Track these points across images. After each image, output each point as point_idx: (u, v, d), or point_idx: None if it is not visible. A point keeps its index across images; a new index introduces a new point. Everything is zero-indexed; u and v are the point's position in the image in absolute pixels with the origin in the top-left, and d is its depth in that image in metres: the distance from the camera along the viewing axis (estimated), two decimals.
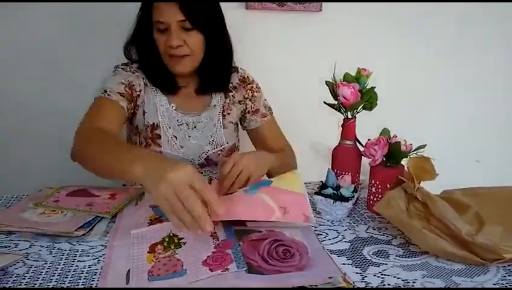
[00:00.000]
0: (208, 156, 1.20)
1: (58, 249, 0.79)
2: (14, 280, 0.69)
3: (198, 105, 1.21)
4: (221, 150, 1.21)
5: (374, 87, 1.00)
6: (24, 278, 0.69)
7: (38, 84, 1.50)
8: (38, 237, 0.82)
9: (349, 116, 1.01)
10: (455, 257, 0.75)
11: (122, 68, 1.15)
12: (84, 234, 0.83)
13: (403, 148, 0.93)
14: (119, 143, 0.93)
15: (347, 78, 1.00)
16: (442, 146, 1.61)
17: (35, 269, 0.72)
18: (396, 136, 0.96)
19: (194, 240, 0.78)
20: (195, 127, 1.19)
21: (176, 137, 1.17)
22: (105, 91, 1.07)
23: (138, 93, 1.14)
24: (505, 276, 0.72)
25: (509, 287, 0.69)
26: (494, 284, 0.69)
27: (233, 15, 1.51)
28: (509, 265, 0.75)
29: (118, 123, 1.05)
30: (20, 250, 0.78)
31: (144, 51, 1.14)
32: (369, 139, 0.97)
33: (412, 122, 1.67)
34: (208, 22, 1.09)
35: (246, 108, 1.25)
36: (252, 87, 1.26)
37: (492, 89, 1.87)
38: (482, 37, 1.79)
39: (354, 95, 0.97)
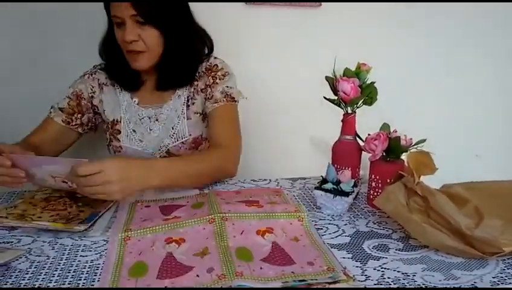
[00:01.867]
0: (168, 149, 1.19)
1: (60, 244, 0.79)
2: (17, 275, 0.69)
3: (161, 97, 1.20)
4: (183, 143, 1.18)
5: (374, 82, 1.01)
6: (27, 273, 0.70)
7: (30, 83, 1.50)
8: (41, 233, 0.83)
9: (349, 112, 1.01)
10: (455, 251, 0.75)
11: (81, 77, 1.23)
12: (85, 229, 0.83)
13: (402, 142, 0.93)
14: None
15: (347, 73, 1.00)
16: (442, 141, 1.61)
17: (37, 264, 0.73)
18: (396, 131, 0.97)
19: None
20: (157, 120, 1.20)
21: (135, 131, 1.20)
22: (51, 108, 1.19)
23: (91, 94, 1.21)
24: (504, 269, 0.72)
25: (508, 281, 0.69)
26: (493, 278, 0.70)
27: (233, 10, 1.53)
28: (508, 258, 0.75)
29: (52, 138, 1.17)
30: (23, 245, 0.79)
31: (109, 49, 1.18)
32: (369, 134, 0.97)
33: (412, 117, 1.67)
34: (164, 17, 1.07)
35: (206, 95, 1.18)
36: (216, 74, 1.18)
37: (492, 83, 1.87)
38: (483, 32, 1.78)
39: (354, 90, 0.97)
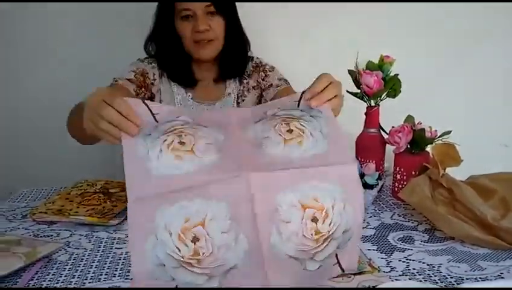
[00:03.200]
0: None
1: (96, 237, 0.84)
2: (58, 267, 0.74)
3: (213, 94, 1.24)
4: None
5: (398, 75, 1.00)
6: (66, 265, 0.74)
7: (56, 81, 1.55)
8: (78, 227, 0.88)
9: (373, 104, 1.02)
10: (481, 242, 0.75)
11: (137, 60, 1.21)
12: (119, 223, 0.87)
13: (427, 134, 0.93)
14: None
15: (370, 66, 1.00)
16: (469, 131, 1.58)
17: (76, 256, 0.77)
18: (420, 123, 0.97)
19: None
20: None
21: None
22: (115, 79, 1.11)
23: (152, 81, 1.18)
24: None
25: None
26: None
27: (253, 3, 1.54)
28: None
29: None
30: (61, 239, 0.83)
31: (164, 45, 1.18)
32: (393, 127, 0.98)
33: (438, 108, 1.65)
34: (228, 6, 1.15)
35: (262, 87, 1.26)
36: (265, 68, 1.27)
37: None
38: (506, 20, 1.73)
39: (377, 83, 0.98)
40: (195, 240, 0.62)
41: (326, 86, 0.78)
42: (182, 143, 0.67)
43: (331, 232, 0.66)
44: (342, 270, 0.68)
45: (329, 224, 0.66)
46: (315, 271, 0.66)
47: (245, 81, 1.26)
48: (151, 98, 1.19)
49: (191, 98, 1.22)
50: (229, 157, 0.69)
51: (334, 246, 0.67)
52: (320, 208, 0.65)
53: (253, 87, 1.26)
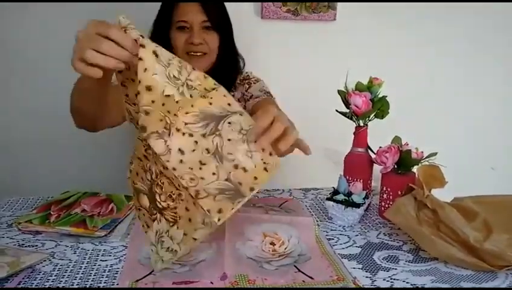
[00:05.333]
0: None
1: (81, 249, 0.83)
2: (41, 277, 0.73)
3: None
4: None
5: (386, 96, 1.03)
6: (51, 276, 0.74)
7: (45, 90, 1.55)
8: (63, 237, 0.87)
9: (361, 124, 1.04)
10: (464, 263, 0.76)
11: None
12: (105, 235, 0.87)
13: (414, 155, 0.95)
14: None
15: (359, 88, 1.02)
16: (458, 154, 1.62)
17: (60, 267, 0.76)
18: (407, 144, 0.98)
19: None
20: None
21: None
22: None
23: None
24: None
25: None
26: None
27: (249, 24, 1.57)
28: None
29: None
30: (46, 249, 0.82)
31: None
32: (380, 147, 0.99)
33: (426, 129, 1.68)
34: (224, 24, 1.19)
35: (245, 100, 1.28)
36: (250, 80, 1.29)
37: (509, 95, 1.86)
38: (496, 42, 1.78)
39: (365, 104, 1.00)
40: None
41: (272, 122, 0.67)
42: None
43: (286, 253, 0.81)
44: (310, 277, 0.73)
45: (285, 248, 0.82)
46: (272, 270, 0.76)
47: (232, 93, 1.26)
48: None
49: None
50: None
51: (291, 261, 0.79)
52: (278, 238, 0.84)
53: (239, 100, 1.28)
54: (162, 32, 1.19)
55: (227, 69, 1.24)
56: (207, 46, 1.16)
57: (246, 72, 1.32)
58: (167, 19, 1.17)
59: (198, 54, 1.16)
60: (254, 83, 1.28)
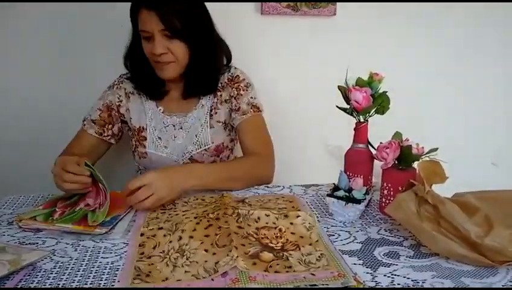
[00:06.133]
0: (191, 156, 1.24)
1: (82, 246, 0.83)
2: (42, 275, 0.73)
3: (186, 106, 1.26)
4: (206, 150, 1.24)
5: (386, 92, 1.02)
6: (51, 273, 0.74)
7: (46, 85, 1.55)
8: (64, 235, 0.87)
9: (362, 120, 1.03)
10: (465, 259, 0.76)
11: (109, 87, 1.28)
12: (106, 232, 0.87)
13: (414, 151, 0.95)
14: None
15: (359, 83, 1.02)
16: (459, 149, 1.61)
17: (61, 264, 0.76)
18: (408, 140, 0.98)
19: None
20: (181, 128, 1.25)
21: (160, 138, 1.24)
22: (84, 121, 1.25)
23: (118, 103, 1.26)
24: None
25: None
26: (503, 286, 0.70)
27: (248, 20, 1.56)
28: None
29: (86, 149, 1.22)
30: (47, 247, 0.83)
31: (134, 60, 1.23)
32: (381, 142, 0.99)
33: (427, 125, 1.68)
34: (190, 31, 1.12)
35: (231, 106, 1.25)
36: (239, 85, 1.24)
37: (510, 89, 1.85)
38: (497, 39, 1.78)
39: (366, 99, 0.99)
40: None
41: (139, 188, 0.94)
42: None
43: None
44: (311, 274, 0.73)
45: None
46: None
47: (219, 93, 1.26)
48: (121, 120, 1.28)
49: (162, 112, 1.25)
50: None
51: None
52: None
53: (225, 101, 1.26)
54: (136, 42, 1.18)
55: (202, 73, 1.20)
56: (171, 54, 1.13)
57: (235, 71, 1.27)
58: (135, 28, 1.16)
59: (164, 62, 1.14)
60: (244, 90, 1.24)
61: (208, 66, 1.20)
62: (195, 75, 1.20)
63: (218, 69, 1.25)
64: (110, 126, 1.25)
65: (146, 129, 1.25)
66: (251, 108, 1.23)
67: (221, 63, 1.26)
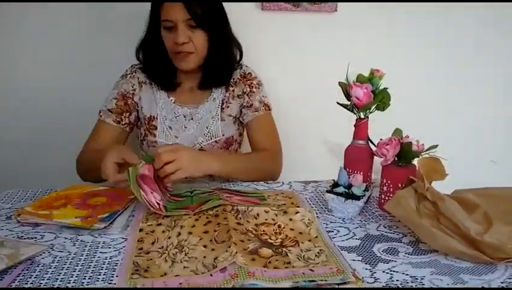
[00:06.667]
0: (201, 147, 1.25)
1: (81, 241, 0.83)
2: (40, 270, 0.73)
3: (197, 98, 1.28)
4: (216, 142, 1.26)
5: (387, 88, 1.02)
6: (50, 268, 0.73)
7: (54, 83, 1.55)
8: (63, 229, 0.87)
9: (362, 117, 1.03)
10: (464, 256, 0.76)
11: (122, 76, 1.29)
12: (105, 227, 0.87)
13: (414, 148, 0.94)
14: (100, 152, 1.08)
15: (360, 79, 1.01)
16: (458, 146, 1.61)
17: (60, 259, 0.76)
18: (408, 136, 0.98)
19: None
20: (191, 119, 1.26)
21: (171, 128, 1.25)
22: (100, 112, 1.25)
23: (132, 92, 1.27)
24: None
25: None
26: (501, 283, 0.70)
27: (249, 16, 1.56)
28: None
29: (107, 140, 1.23)
30: (45, 241, 0.82)
31: (150, 51, 1.24)
32: (381, 139, 0.99)
33: (427, 122, 1.68)
34: (212, 21, 1.16)
35: (243, 102, 1.28)
36: (252, 82, 1.28)
37: (510, 87, 1.85)
38: (497, 36, 1.77)
39: (366, 95, 0.99)
40: None
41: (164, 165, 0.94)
42: None
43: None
44: (310, 269, 0.72)
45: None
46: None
47: (231, 88, 1.28)
48: (136, 110, 1.28)
49: (173, 102, 1.26)
50: None
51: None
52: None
53: (238, 96, 1.28)
54: (153, 33, 1.19)
55: (220, 65, 1.23)
56: (192, 45, 1.15)
57: (247, 69, 1.31)
58: (156, 18, 1.17)
59: (184, 53, 1.16)
60: (256, 88, 1.28)
61: (225, 58, 1.24)
62: (212, 66, 1.22)
63: (233, 62, 1.28)
64: (127, 114, 1.26)
65: (156, 118, 1.26)
66: (263, 106, 1.27)
67: (235, 58, 1.29)
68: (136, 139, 1.34)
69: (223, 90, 1.28)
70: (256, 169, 1.17)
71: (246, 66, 1.32)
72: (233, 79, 1.29)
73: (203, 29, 1.15)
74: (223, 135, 1.26)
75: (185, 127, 1.26)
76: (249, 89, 1.28)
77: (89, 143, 1.23)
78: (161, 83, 1.26)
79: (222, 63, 1.24)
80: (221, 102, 1.27)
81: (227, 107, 1.28)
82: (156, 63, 1.23)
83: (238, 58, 1.30)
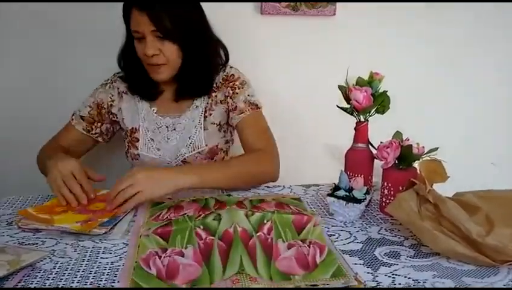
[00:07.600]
0: (184, 159, 1.21)
1: (82, 246, 0.83)
2: (41, 275, 0.73)
3: (180, 107, 1.23)
4: (199, 153, 1.21)
5: (387, 91, 1.02)
6: (51, 274, 0.73)
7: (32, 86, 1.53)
8: (64, 235, 0.87)
9: (362, 120, 1.03)
10: (466, 258, 0.76)
11: (102, 85, 1.27)
12: (106, 233, 0.87)
13: (415, 151, 0.94)
14: (56, 151, 1.14)
15: (360, 82, 1.02)
16: (459, 149, 1.61)
17: (61, 265, 0.76)
18: (408, 139, 0.98)
19: None
20: (174, 129, 1.23)
21: (153, 140, 1.22)
22: (73, 115, 1.25)
23: (110, 103, 1.25)
24: None
25: None
26: (504, 285, 0.70)
27: (248, 20, 1.56)
28: None
29: (69, 142, 1.24)
30: (46, 247, 0.82)
31: (128, 61, 1.22)
32: (381, 142, 0.99)
33: (427, 124, 1.68)
34: (182, 32, 1.10)
35: (228, 106, 1.22)
36: (234, 84, 1.21)
37: (510, 88, 1.85)
38: (496, 39, 1.77)
39: (366, 99, 0.99)
40: None
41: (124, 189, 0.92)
42: None
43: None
44: None
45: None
46: None
47: (213, 94, 1.23)
48: (112, 120, 1.27)
49: (155, 112, 1.23)
50: None
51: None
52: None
53: (221, 102, 1.23)
54: (130, 42, 1.17)
55: (196, 75, 1.18)
56: (163, 56, 1.10)
57: (230, 70, 1.24)
58: (128, 29, 1.15)
59: (156, 65, 1.12)
60: (239, 88, 1.21)
61: (202, 68, 1.18)
62: (188, 77, 1.18)
63: (212, 71, 1.22)
64: (98, 124, 1.25)
65: (139, 130, 1.23)
66: (248, 106, 1.20)
67: (216, 64, 1.23)
68: (123, 150, 1.32)
69: (206, 97, 1.23)
70: (246, 173, 1.08)
71: (230, 67, 1.25)
72: (216, 84, 1.23)
73: (171, 41, 1.10)
74: (206, 145, 1.21)
75: (168, 138, 1.22)
76: (231, 92, 1.21)
77: (57, 139, 1.24)
78: (142, 93, 1.24)
79: (198, 73, 1.18)
80: (203, 110, 1.22)
81: (210, 114, 1.22)
82: (136, 72, 1.20)
83: (223, 60, 1.25)
